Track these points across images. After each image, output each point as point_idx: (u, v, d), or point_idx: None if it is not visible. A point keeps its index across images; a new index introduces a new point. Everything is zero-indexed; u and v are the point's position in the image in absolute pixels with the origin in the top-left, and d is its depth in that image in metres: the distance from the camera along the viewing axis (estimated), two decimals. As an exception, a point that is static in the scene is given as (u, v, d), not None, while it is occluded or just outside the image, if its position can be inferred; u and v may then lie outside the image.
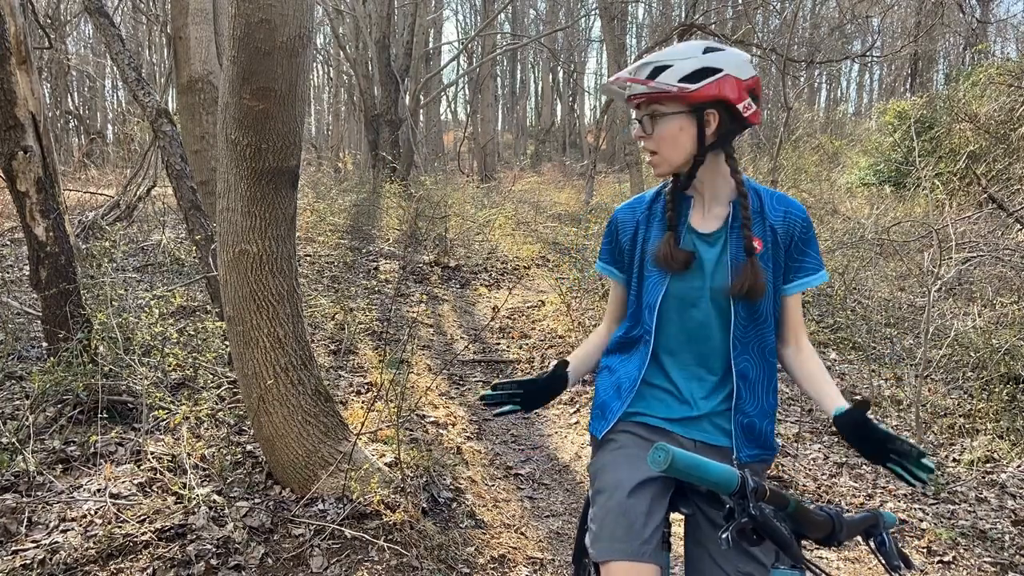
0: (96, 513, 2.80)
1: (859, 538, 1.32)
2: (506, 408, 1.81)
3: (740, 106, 1.56)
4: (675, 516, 1.68)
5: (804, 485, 3.76)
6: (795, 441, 4.29)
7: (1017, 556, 3.15)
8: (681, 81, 1.54)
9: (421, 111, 19.89)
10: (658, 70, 1.56)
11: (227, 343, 3.76)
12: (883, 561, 1.28)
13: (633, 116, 1.66)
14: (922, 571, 3.06)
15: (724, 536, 1.14)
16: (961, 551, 3.18)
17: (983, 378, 4.72)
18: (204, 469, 3.17)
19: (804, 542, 1.25)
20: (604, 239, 1.79)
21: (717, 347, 1.64)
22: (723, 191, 1.65)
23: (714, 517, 1.58)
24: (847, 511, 1.31)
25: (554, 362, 1.83)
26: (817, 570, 1.25)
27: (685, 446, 1.64)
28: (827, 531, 1.23)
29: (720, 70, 1.54)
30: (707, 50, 1.58)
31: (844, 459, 4.04)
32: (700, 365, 1.66)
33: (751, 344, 1.64)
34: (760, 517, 1.14)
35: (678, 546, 1.72)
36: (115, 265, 5.02)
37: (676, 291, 1.64)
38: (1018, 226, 7.32)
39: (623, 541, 1.53)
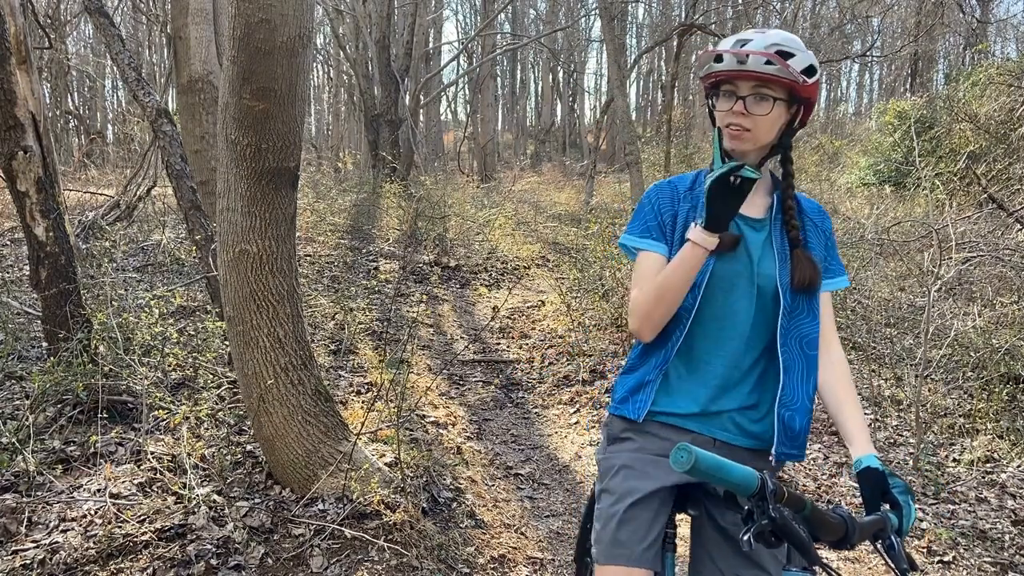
0: (96, 513, 2.80)
1: (871, 543, 1.32)
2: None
3: (813, 111, 1.62)
4: (680, 516, 1.68)
5: (804, 485, 3.76)
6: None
7: (1017, 556, 3.15)
8: (802, 72, 1.53)
9: (421, 111, 19.88)
10: (785, 54, 1.51)
11: (227, 343, 3.76)
12: (892, 564, 1.28)
13: (722, 89, 1.57)
14: (922, 571, 3.06)
15: (745, 538, 1.14)
16: (961, 551, 3.18)
17: (983, 378, 4.71)
18: (204, 469, 3.16)
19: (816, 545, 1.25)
20: (643, 213, 1.70)
21: (747, 335, 1.60)
22: (763, 182, 1.67)
23: (718, 519, 1.58)
24: (856, 512, 1.31)
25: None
26: (834, 573, 1.25)
27: (704, 445, 1.59)
28: (841, 534, 1.23)
29: (816, 71, 1.55)
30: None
31: (844, 459, 4.04)
32: (730, 353, 1.61)
33: (791, 335, 1.60)
34: (780, 520, 1.14)
35: (683, 547, 1.72)
36: (115, 265, 5.02)
37: (720, 271, 1.58)
38: (1018, 226, 7.31)
39: (624, 547, 1.54)
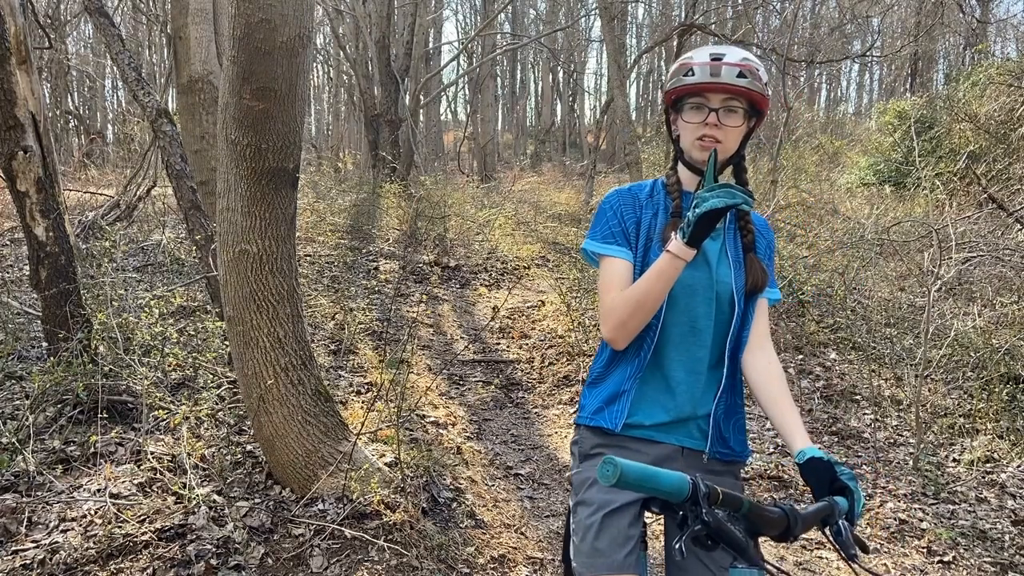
0: (96, 513, 2.80)
1: (819, 529, 1.34)
2: None
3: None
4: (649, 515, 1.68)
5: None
6: (795, 441, 4.29)
7: (1017, 556, 3.15)
8: (764, 86, 1.60)
9: (421, 111, 19.88)
10: (755, 68, 1.58)
11: (227, 343, 3.76)
12: (839, 550, 1.30)
13: (689, 102, 1.62)
14: (922, 571, 3.06)
15: (677, 547, 1.13)
16: (961, 551, 3.18)
17: (983, 378, 4.72)
18: (204, 469, 3.16)
19: (763, 540, 1.25)
20: (605, 219, 1.69)
21: (709, 343, 1.63)
22: None
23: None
24: (803, 504, 1.32)
25: None
26: (775, 569, 1.25)
27: (673, 455, 1.64)
28: (782, 527, 1.24)
29: (769, 88, 1.63)
30: None
31: (843, 459, 4.04)
32: (695, 360, 1.64)
33: (743, 343, 1.67)
34: (714, 523, 1.13)
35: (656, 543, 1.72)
36: (115, 265, 5.02)
37: (684, 278, 1.58)
38: (1018, 226, 7.32)
39: (604, 555, 1.55)
